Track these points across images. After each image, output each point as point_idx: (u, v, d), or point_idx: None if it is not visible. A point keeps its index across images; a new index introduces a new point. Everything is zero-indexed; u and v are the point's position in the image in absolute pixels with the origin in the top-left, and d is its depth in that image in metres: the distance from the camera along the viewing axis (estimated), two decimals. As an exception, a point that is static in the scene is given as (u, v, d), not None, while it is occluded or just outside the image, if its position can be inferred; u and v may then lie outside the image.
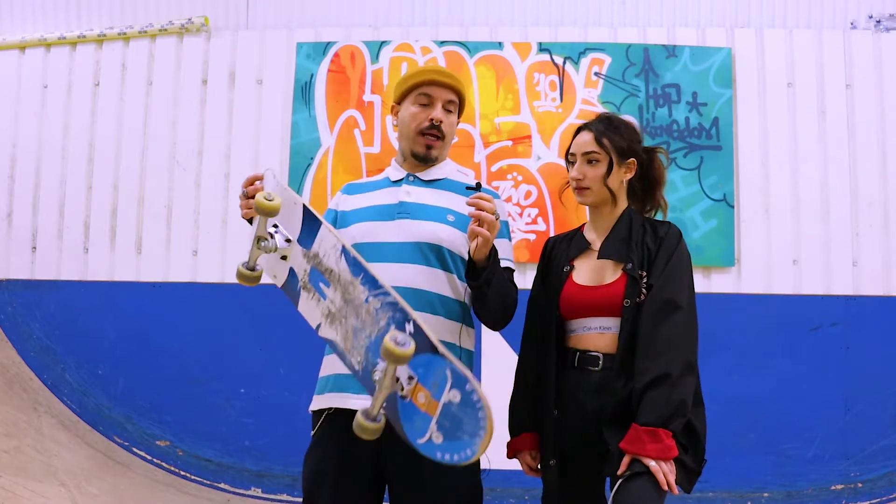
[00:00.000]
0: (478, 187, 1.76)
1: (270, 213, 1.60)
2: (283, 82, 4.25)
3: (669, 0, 4.28)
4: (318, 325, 1.64)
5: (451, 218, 1.89)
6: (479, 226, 1.71)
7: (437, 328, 1.81)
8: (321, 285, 1.63)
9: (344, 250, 1.58)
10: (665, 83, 4.11)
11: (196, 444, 4.04)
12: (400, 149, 2.02)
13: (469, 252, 1.76)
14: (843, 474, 3.83)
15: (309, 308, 1.67)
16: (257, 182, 1.77)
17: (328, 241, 1.61)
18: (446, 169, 2.00)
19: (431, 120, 1.92)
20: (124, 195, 4.29)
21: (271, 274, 1.74)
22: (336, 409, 1.81)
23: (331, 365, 1.86)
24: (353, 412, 1.67)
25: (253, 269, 1.68)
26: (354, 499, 1.80)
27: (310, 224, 1.65)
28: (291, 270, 1.70)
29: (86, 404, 4.10)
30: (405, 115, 1.96)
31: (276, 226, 1.68)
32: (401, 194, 1.92)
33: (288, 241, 1.67)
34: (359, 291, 1.55)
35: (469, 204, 1.73)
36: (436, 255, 1.85)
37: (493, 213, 1.72)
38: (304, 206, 1.65)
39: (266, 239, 1.66)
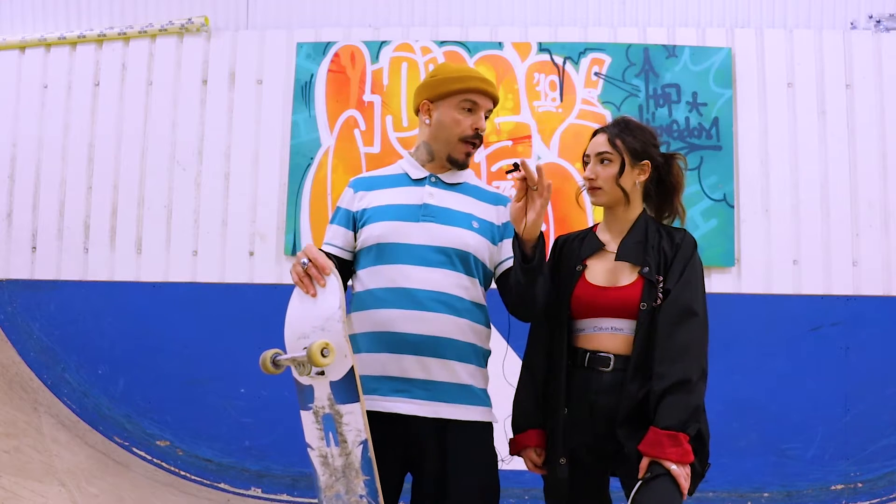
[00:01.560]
0: (516, 168, 1.77)
1: (318, 366, 1.61)
2: (283, 82, 4.25)
3: (669, 0, 4.28)
4: (311, 447, 1.73)
5: (475, 224, 1.92)
6: (526, 199, 1.74)
7: (464, 330, 1.86)
8: (330, 436, 1.68)
9: (365, 444, 1.63)
10: (665, 83, 4.11)
11: (196, 444, 4.04)
12: (429, 149, 1.97)
13: (519, 232, 1.76)
14: (843, 474, 3.83)
15: (310, 429, 1.73)
16: (322, 273, 1.75)
17: (356, 421, 1.64)
18: (466, 173, 2.01)
19: (476, 129, 1.93)
20: (124, 195, 4.29)
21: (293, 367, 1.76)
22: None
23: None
24: (382, 414, 1.78)
25: (277, 367, 1.71)
26: (386, 483, 1.79)
27: (349, 388, 1.65)
28: (311, 388, 1.73)
29: (86, 404, 4.09)
30: (446, 118, 1.92)
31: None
32: (424, 195, 1.91)
33: (321, 374, 1.69)
34: (359, 485, 1.64)
35: (520, 178, 1.73)
36: (461, 261, 1.88)
37: (543, 185, 1.72)
38: (353, 368, 1.66)
39: (303, 365, 1.68)
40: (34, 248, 4.32)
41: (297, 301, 1.79)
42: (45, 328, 4.21)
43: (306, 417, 1.75)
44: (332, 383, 1.67)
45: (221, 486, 3.96)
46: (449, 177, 1.97)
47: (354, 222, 1.95)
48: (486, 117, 1.97)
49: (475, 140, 1.94)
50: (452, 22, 4.31)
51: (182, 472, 3.98)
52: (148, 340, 4.11)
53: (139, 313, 4.15)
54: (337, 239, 1.96)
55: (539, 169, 1.73)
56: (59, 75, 4.40)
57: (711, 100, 4.08)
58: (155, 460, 4.00)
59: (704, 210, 4.01)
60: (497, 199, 2.01)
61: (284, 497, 3.92)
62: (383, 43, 4.22)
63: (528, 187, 1.74)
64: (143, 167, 4.30)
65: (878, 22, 4.15)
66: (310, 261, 1.75)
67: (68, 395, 4.11)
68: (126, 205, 4.28)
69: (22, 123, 4.41)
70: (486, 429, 1.91)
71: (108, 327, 4.16)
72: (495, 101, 1.97)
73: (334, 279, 1.72)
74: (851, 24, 4.21)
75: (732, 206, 4.02)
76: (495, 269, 1.97)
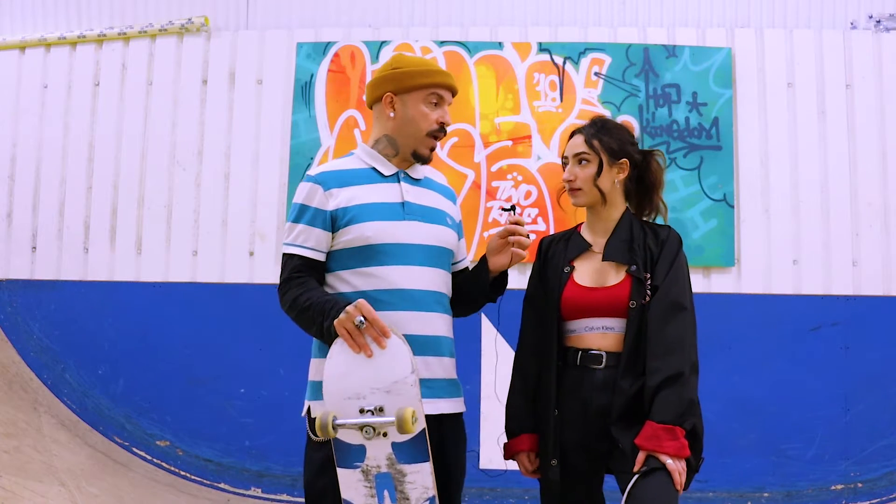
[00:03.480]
0: (512, 208, 1.92)
1: (409, 434, 1.56)
2: (283, 82, 4.25)
3: (669, 0, 4.28)
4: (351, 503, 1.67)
5: (449, 221, 1.96)
6: (513, 244, 1.90)
7: (449, 326, 1.93)
8: (386, 493, 1.63)
9: (432, 500, 1.62)
10: (665, 83, 4.11)
11: (196, 444, 4.04)
12: (393, 143, 1.93)
13: (490, 265, 1.91)
14: (843, 474, 3.83)
15: (354, 486, 1.65)
16: (383, 336, 1.66)
17: (424, 480, 1.61)
18: (424, 167, 2.01)
19: (441, 123, 1.92)
20: (124, 195, 4.29)
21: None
22: None
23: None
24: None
25: (335, 430, 1.62)
26: None
27: (420, 448, 1.62)
28: (361, 448, 1.65)
29: (86, 404, 4.10)
30: (414, 113, 1.89)
31: (381, 409, 1.63)
32: (402, 193, 1.91)
33: (384, 435, 1.63)
34: None
35: (511, 222, 1.90)
36: (446, 258, 1.93)
37: (526, 236, 1.91)
38: (425, 430, 1.62)
39: (373, 429, 1.61)
40: (34, 248, 4.32)
41: (344, 357, 1.66)
42: (45, 328, 4.21)
43: (350, 475, 1.66)
44: (395, 444, 1.62)
45: (221, 486, 3.96)
46: (413, 172, 1.96)
47: (333, 222, 1.84)
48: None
49: (440, 134, 1.94)
50: (452, 22, 4.31)
51: (182, 472, 3.98)
52: (148, 340, 4.11)
53: (139, 313, 4.15)
54: (310, 241, 1.84)
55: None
56: (59, 75, 4.40)
57: (711, 100, 4.08)
58: (155, 460, 4.00)
59: (704, 210, 4.00)
60: (452, 195, 2.07)
61: (284, 497, 3.92)
62: (383, 43, 4.22)
63: (516, 233, 1.88)
64: (143, 167, 4.30)
65: (878, 22, 4.15)
66: (367, 320, 1.65)
67: (68, 395, 4.11)
68: (126, 205, 4.28)
69: (22, 123, 4.41)
70: (462, 417, 1.98)
71: (108, 327, 4.16)
72: (455, 94, 1.98)
73: (398, 340, 1.65)
74: (851, 24, 4.21)
75: (732, 206, 4.02)
76: (452, 266, 2.02)
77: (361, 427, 1.60)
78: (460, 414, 1.93)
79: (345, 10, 4.37)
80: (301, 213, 1.86)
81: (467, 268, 2.05)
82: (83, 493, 3.36)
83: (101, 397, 4.11)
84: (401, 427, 1.54)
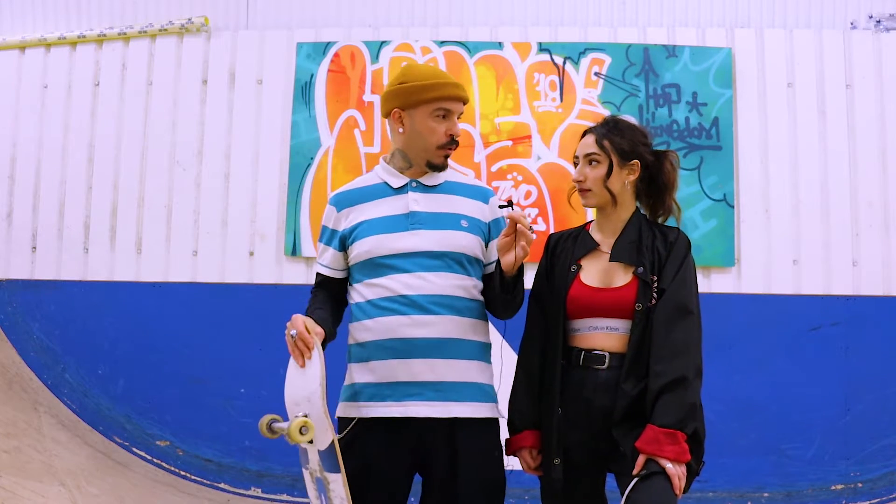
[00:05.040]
0: (510, 204, 1.83)
1: (297, 443, 1.67)
2: (283, 82, 4.25)
3: (669, 0, 4.28)
4: (311, 502, 1.79)
5: (464, 223, 1.93)
6: (515, 240, 1.78)
7: (466, 329, 1.89)
8: (323, 498, 1.74)
9: None
10: (665, 83, 4.11)
11: (196, 444, 4.04)
12: (405, 156, 1.97)
13: (503, 265, 1.82)
14: (843, 474, 3.83)
15: (309, 486, 1.82)
16: (307, 348, 1.76)
17: (339, 490, 1.70)
18: (445, 171, 2.01)
19: (451, 135, 1.93)
20: (124, 195, 4.29)
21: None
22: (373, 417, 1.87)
23: (360, 374, 1.90)
24: (388, 420, 1.82)
25: (273, 433, 1.74)
26: (398, 487, 1.88)
27: (332, 459, 1.71)
28: (306, 451, 1.78)
29: (86, 404, 4.10)
30: (421, 127, 1.91)
31: (307, 416, 1.73)
32: (409, 203, 1.92)
33: (310, 442, 1.72)
34: None
35: (508, 217, 1.79)
36: (456, 262, 1.90)
37: (528, 228, 1.79)
38: (334, 441, 1.70)
39: (290, 437, 1.71)
40: (34, 248, 4.32)
41: (292, 367, 1.81)
42: (45, 328, 4.21)
43: (306, 475, 1.80)
44: (319, 452, 1.72)
45: (221, 486, 3.96)
46: (429, 179, 1.97)
47: (343, 241, 1.96)
48: (459, 120, 1.98)
49: (451, 146, 1.94)
50: (452, 22, 4.31)
51: (182, 472, 3.99)
52: (148, 340, 4.11)
53: (139, 313, 4.15)
54: (325, 259, 2.00)
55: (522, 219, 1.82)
56: (59, 75, 4.40)
57: (711, 100, 4.08)
58: (155, 460, 4.00)
59: (704, 210, 4.00)
60: (482, 194, 2.02)
61: (284, 497, 3.92)
62: (383, 43, 4.22)
63: (517, 226, 1.80)
64: (143, 167, 4.30)
65: (878, 22, 4.15)
66: (297, 333, 1.76)
67: (68, 395, 4.11)
68: (126, 205, 4.28)
69: (22, 123, 4.41)
70: (493, 425, 1.93)
71: (108, 327, 4.16)
72: (465, 103, 1.97)
73: (317, 354, 1.74)
74: (851, 24, 4.21)
75: (732, 206, 4.02)
76: (485, 267, 1.99)
77: (285, 434, 1.70)
78: (484, 420, 1.89)
79: (345, 10, 4.37)
80: (322, 233, 2.02)
81: None
82: (83, 493, 3.36)
83: (100, 397, 4.11)
84: (289, 438, 1.64)
